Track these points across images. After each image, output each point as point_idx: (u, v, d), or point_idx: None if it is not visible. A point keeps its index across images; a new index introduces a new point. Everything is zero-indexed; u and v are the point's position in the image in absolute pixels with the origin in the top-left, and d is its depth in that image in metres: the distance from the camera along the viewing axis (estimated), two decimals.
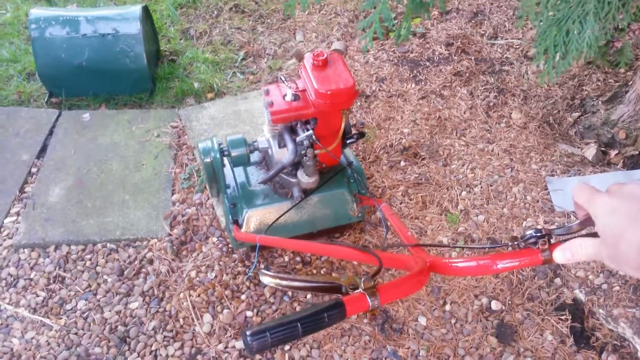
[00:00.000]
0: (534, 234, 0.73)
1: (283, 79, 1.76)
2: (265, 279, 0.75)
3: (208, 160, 1.80)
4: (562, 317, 1.92)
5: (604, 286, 2.00)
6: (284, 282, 0.73)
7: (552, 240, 0.73)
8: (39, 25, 2.63)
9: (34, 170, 2.42)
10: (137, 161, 2.45)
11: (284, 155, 1.76)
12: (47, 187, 2.32)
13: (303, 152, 1.72)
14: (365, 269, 2.04)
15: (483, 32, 3.24)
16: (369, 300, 0.66)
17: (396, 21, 2.54)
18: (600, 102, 2.59)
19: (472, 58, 3.04)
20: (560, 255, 0.69)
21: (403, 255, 0.91)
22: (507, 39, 3.18)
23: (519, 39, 3.18)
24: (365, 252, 0.92)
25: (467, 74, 2.93)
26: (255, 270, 2.01)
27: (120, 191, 2.32)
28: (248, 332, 0.60)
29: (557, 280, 2.03)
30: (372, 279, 0.68)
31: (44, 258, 2.10)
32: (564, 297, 1.98)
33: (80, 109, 2.77)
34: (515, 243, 0.75)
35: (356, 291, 0.68)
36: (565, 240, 0.69)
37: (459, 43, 3.12)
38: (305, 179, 1.79)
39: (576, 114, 2.66)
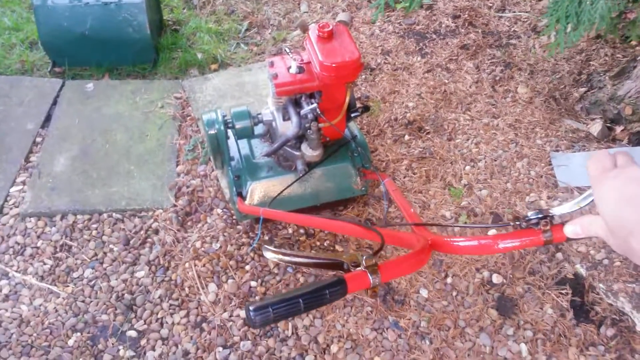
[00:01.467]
0: (536, 215, 0.73)
1: (287, 50, 1.74)
2: (268, 254, 0.76)
3: (212, 132, 1.80)
4: (563, 292, 1.94)
5: (605, 261, 2.01)
6: (287, 258, 0.75)
7: (554, 222, 0.73)
8: None
9: (38, 139, 2.43)
10: (141, 132, 2.46)
11: (288, 128, 1.76)
12: (52, 157, 2.34)
13: (307, 125, 1.72)
14: (368, 242, 2.06)
15: (491, 5, 3.18)
16: (370, 278, 0.67)
17: None
18: (607, 78, 2.56)
19: (479, 31, 3.00)
20: (570, 229, 0.70)
21: (405, 233, 0.92)
22: (515, 12, 3.13)
23: (527, 11, 3.12)
24: (368, 228, 0.93)
25: (474, 47, 2.89)
26: (258, 243, 2.04)
27: (125, 162, 2.33)
28: (251, 307, 0.61)
29: (559, 255, 2.04)
30: (373, 256, 0.69)
31: (50, 227, 2.12)
32: (565, 271, 1.99)
33: (84, 79, 2.76)
34: (517, 223, 0.76)
35: (358, 269, 0.69)
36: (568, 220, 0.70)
37: (466, 15, 3.07)
38: (310, 152, 1.80)
39: (582, 89, 2.63)
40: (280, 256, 0.75)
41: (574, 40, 1.69)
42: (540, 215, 0.73)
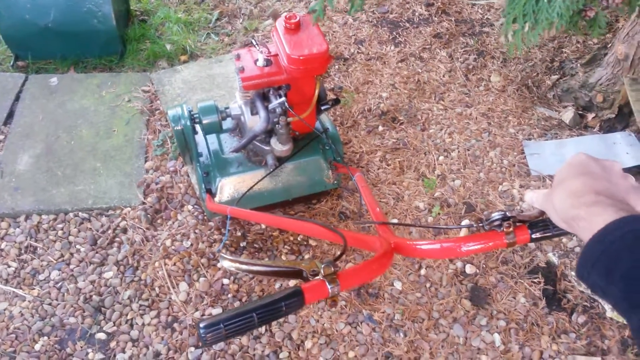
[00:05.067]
0: (499, 217, 0.71)
1: (255, 42, 1.70)
2: (225, 263, 0.73)
3: (178, 128, 1.76)
4: (535, 280, 1.95)
5: (577, 249, 2.03)
6: (244, 267, 0.71)
7: (517, 223, 0.72)
8: None
9: (0, 137, 2.34)
10: (107, 127, 2.38)
11: (256, 122, 1.72)
12: (15, 155, 2.26)
13: (276, 119, 1.68)
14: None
15: None
16: (329, 287, 0.65)
17: None
18: (579, 65, 2.57)
19: (453, 19, 2.98)
20: (529, 196, 0.71)
21: (368, 235, 0.89)
22: (487, 0, 3.11)
23: None
24: (330, 230, 0.90)
25: (447, 36, 2.87)
26: (227, 241, 2.00)
27: (91, 159, 2.26)
28: (201, 325, 0.58)
29: (531, 244, 2.05)
30: (332, 264, 0.67)
31: (14, 228, 2.05)
32: (537, 260, 2.00)
33: (48, 73, 2.67)
34: (480, 225, 0.74)
35: (316, 277, 0.66)
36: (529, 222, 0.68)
37: (439, 3, 3.05)
38: (279, 146, 1.76)
39: (555, 77, 2.63)
40: (238, 265, 0.72)
41: (532, 40, 1.66)
42: (503, 217, 0.71)
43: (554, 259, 2.01)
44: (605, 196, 0.56)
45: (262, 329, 1.82)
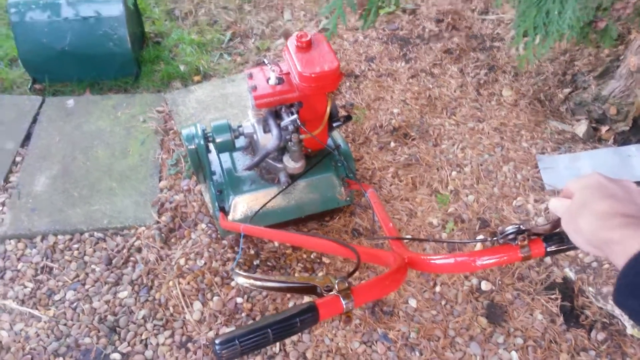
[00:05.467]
0: (513, 230, 0.71)
1: (266, 61, 1.72)
2: (239, 279, 0.73)
3: (192, 146, 1.77)
4: (552, 297, 1.92)
5: (594, 264, 2.00)
6: (258, 283, 0.72)
7: (532, 236, 0.71)
8: (18, 9, 2.56)
9: (18, 159, 2.38)
10: (123, 148, 2.42)
11: (269, 140, 1.73)
12: (32, 177, 2.29)
13: (288, 137, 1.69)
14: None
15: (474, 7, 3.18)
16: (343, 303, 0.64)
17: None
18: (591, 78, 2.56)
19: (463, 34, 2.99)
20: (552, 203, 0.69)
21: (381, 250, 0.89)
22: (498, 14, 3.12)
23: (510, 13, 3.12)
24: (344, 246, 0.90)
25: (458, 51, 2.88)
26: (241, 259, 2.00)
27: (107, 179, 2.29)
28: (217, 341, 0.58)
29: (547, 260, 2.02)
30: (346, 280, 0.66)
31: (31, 249, 2.07)
32: (554, 276, 1.97)
33: (65, 95, 2.72)
34: (495, 238, 0.73)
35: (330, 293, 0.66)
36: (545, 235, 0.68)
37: (449, 19, 3.07)
38: (291, 164, 1.77)
39: (567, 90, 2.62)
40: (252, 281, 0.72)
41: (542, 53, 1.66)
42: (517, 230, 0.71)
43: (571, 275, 1.97)
44: (635, 218, 0.55)
45: (277, 349, 1.81)
